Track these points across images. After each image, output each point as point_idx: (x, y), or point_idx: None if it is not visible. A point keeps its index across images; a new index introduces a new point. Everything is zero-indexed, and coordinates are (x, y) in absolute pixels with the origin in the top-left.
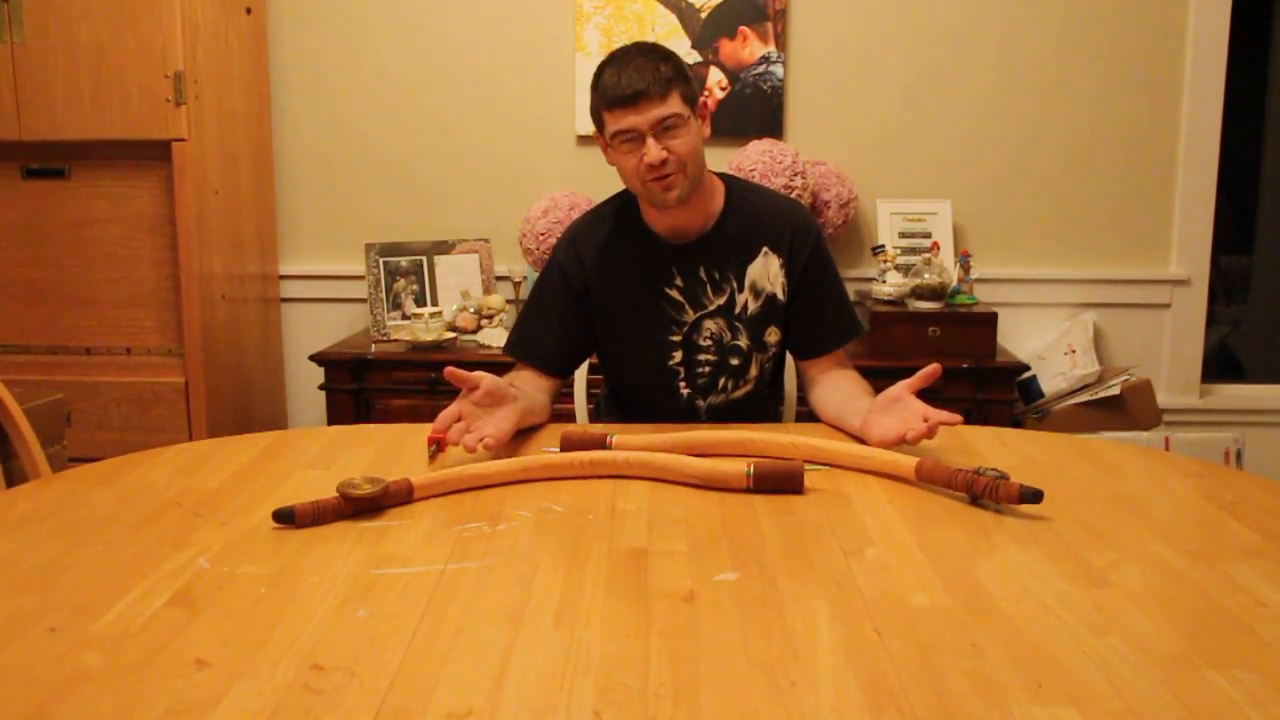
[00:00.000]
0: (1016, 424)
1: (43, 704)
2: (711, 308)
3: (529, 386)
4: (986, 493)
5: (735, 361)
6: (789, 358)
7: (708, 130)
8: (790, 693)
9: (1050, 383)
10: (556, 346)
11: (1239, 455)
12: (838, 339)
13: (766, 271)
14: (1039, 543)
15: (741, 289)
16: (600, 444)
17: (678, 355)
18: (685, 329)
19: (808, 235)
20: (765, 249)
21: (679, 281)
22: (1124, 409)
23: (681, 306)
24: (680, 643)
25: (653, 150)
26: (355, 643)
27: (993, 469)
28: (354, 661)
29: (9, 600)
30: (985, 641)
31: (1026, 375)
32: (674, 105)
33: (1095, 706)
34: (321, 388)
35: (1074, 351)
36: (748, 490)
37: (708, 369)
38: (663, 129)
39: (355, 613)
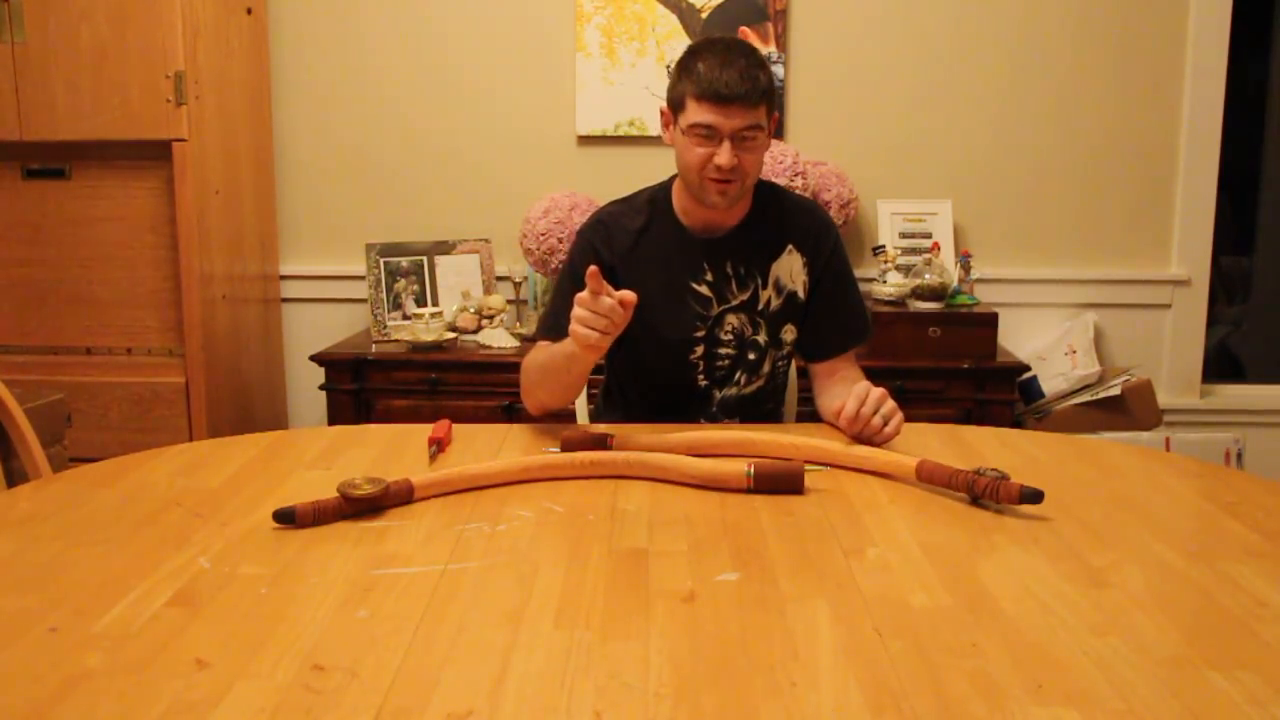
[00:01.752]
0: (1017, 424)
1: (43, 704)
2: (735, 302)
3: None
4: (987, 493)
5: (752, 356)
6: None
7: (770, 144)
8: (790, 693)
9: (1051, 383)
10: None
11: (1239, 455)
12: (849, 341)
13: (790, 269)
14: (1039, 543)
15: (766, 285)
16: (601, 444)
17: (700, 349)
18: (709, 323)
19: (829, 236)
20: (790, 246)
21: (708, 276)
22: (1125, 409)
23: (708, 301)
24: (680, 643)
25: (726, 155)
26: (355, 643)
27: (993, 469)
28: (354, 661)
29: (9, 600)
30: (985, 642)
31: (1027, 375)
32: (759, 117)
33: (1095, 706)
34: (322, 388)
35: (1074, 352)
36: (748, 490)
37: (726, 362)
38: (740, 137)
39: (355, 613)
